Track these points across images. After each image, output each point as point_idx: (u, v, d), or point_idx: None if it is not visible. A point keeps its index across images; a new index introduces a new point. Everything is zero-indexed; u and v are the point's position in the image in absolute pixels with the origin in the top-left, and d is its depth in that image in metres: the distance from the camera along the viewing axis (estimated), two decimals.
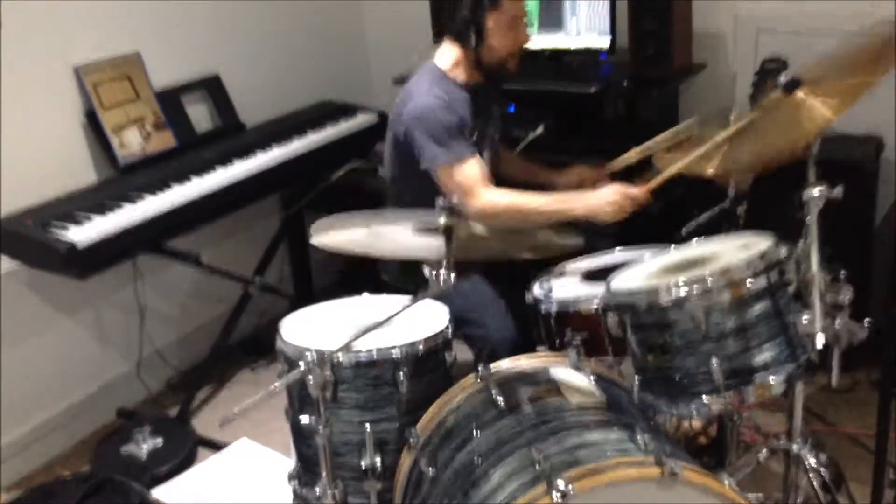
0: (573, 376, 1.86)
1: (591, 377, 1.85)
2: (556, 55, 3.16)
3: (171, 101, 2.99)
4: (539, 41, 3.16)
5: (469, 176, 2.26)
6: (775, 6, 2.99)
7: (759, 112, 1.92)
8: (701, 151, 2.03)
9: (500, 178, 2.64)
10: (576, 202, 2.23)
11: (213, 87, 3.18)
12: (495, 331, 2.22)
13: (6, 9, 2.55)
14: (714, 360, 1.63)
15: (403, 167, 2.43)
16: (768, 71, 2.45)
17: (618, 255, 2.33)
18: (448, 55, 2.36)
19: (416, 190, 2.35)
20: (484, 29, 2.26)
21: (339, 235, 1.90)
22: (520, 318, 2.26)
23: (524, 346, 2.19)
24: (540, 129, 2.73)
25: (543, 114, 2.86)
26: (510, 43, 2.31)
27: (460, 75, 2.36)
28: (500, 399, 1.77)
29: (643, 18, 2.92)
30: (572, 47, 3.12)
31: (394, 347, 1.91)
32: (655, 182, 2.17)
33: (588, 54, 3.11)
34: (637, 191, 2.17)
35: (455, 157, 2.26)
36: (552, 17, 3.13)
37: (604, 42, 3.05)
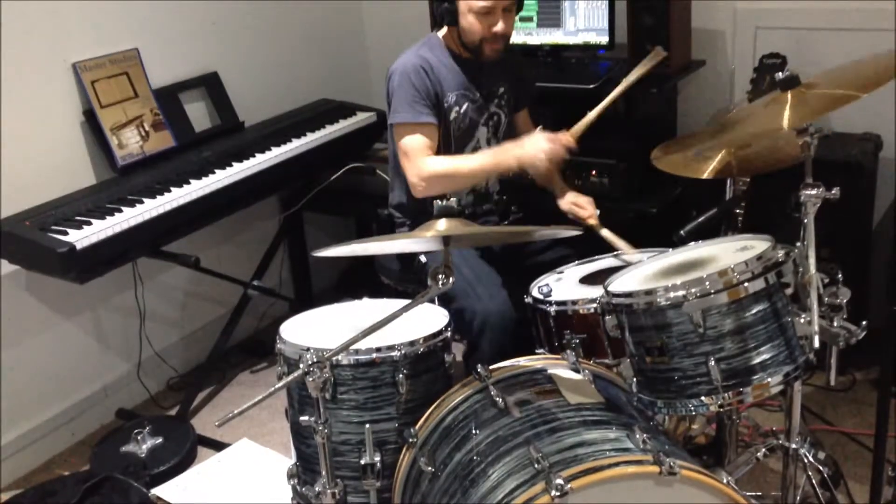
0: (572, 376, 1.86)
1: (590, 377, 1.85)
2: (555, 52, 3.16)
3: (169, 99, 2.98)
4: (538, 38, 3.16)
5: (415, 143, 2.36)
6: (774, 3, 2.98)
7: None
8: (616, 94, 2.39)
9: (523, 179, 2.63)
10: (509, 155, 2.32)
11: (211, 85, 3.16)
12: (488, 300, 2.21)
13: (5, 7, 2.55)
14: (712, 362, 1.63)
15: (395, 155, 2.48)
16: (767, 67, 2.46)
17: (616, 258, 2.34)
18: (445, 28, 2.48)
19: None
20: (456, 11, 2.36)
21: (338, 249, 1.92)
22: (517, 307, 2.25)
23: (518, 331, 2.19)
24: (539, 130, 2.73)
25: (542, 110, 2.85)
26: (481, 29, 2.38)
27: (455, 47, 2.47)
28: (498, 398, 1.77)
29: (642, 15, 2.91)
30: (571, 43, 3.12)
31: (393, 348, 1.91)
32: (579, 127, 2.34)
33: (586, 51, 3.11)
34: (562, 136, 2.28)
35: (411, 119, 2.36)
36: (551, 13, 3.13)
37: (602, 38, 3.05)
